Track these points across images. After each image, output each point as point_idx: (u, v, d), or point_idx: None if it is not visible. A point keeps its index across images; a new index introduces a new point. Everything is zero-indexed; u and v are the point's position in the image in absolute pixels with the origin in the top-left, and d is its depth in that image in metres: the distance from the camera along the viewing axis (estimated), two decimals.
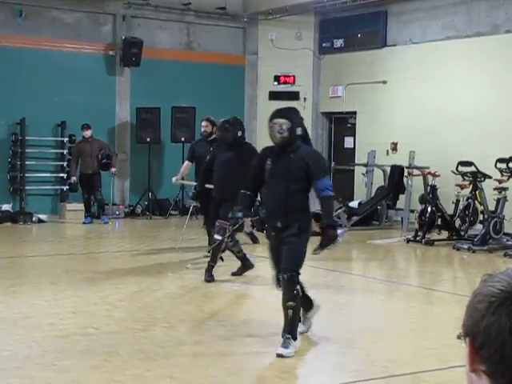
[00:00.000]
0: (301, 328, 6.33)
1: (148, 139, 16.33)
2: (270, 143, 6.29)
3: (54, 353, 5.84)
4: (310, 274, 10.14)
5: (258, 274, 9.87)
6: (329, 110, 17.74)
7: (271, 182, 6.20)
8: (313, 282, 9.59)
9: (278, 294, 8.34)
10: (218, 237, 8.75)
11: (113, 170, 15.19)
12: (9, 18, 15.34)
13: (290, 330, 5.97)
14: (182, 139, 16.23)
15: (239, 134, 8.83)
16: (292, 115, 6.25)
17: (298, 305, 6.02)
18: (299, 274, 6.06)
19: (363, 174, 15.85)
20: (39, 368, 5.45)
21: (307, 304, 6.53)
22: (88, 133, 15.03)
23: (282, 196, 6.06)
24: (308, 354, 6.11)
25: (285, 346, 5.91)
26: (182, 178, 11.23)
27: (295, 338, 5.99)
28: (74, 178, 15.09)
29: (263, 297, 8.30)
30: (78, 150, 15.07)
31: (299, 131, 6.18)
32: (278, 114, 6.23)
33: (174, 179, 11.01)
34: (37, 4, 15.41)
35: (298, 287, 6.02)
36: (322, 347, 6.32)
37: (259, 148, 8.87)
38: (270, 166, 6.16)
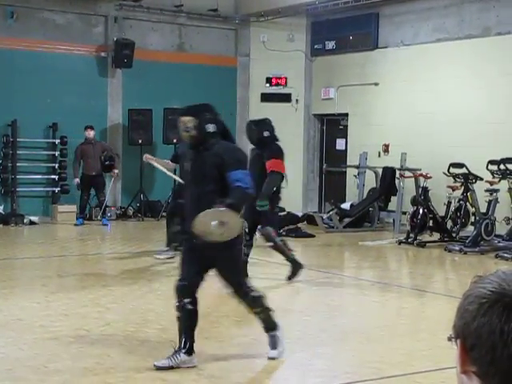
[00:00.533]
0: None
1: (140, 141, 16.30)
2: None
3: (45, 355, 5.83)
4: (302, 275, 10.16)
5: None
6: (321, 111, 17.75)
7: (187, 184, 5.83)
8: (305, 283, 9.61)
9: (271, 296, 8.36)
10: (269, 244, 8.95)
11: (115, 171, 15.23)
12: (0, 20, 15.30)
13: (270, 328, 5.90)
14: (174, 141, 16.18)
15: (265, 134, 8.86)
16: (198, 111, 5.82)
17: (262, 306, 5.85)
18: (246, 280, 5.90)
19: (355, 176, 15.86)
20: (30, 370, 5.44)
21: None
22: (91, 134, 15.00)
23: (195, 198, 5.59)
24: (300, 355, 6.11)
25: (273, 345, 5.86)
26: (176, 171, 11.14)
27: (277, 328, 5.91)
28: (76, 180, 14.94)
29: None
30: (81, 152, 15.00)
31: (211, 128, 5.72)
32: (183, 111, 5.88)
33: (146, 156, 10.54)
34: (28, 5, 15.38)
35: (250, 288, 5.81)
36: (314, 349, 6.33)
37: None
38: (187, 168, 5.78)
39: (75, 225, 14.73)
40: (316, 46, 17.49)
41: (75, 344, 6.17)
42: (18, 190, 15.34)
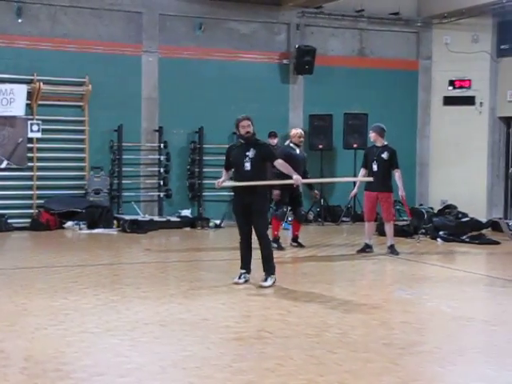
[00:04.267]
0: None
1: (320, 146, 16.48)
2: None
3: (230, 355, 6.02)
4: (488, 284, 9.81)
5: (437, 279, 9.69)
6: (507, 114, 17.12)
7: None
8: (491, 292, 9.28)
9: (453, 304, 8.14)
10: None
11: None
12: (190, 31, 16.04)
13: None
14: (354, 146, 16.25)
15: None
16: None
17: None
18: None
19: None
20: (217, 369, 5.63)
21: None
22: (275, 141, 15.36)
23: None
24: (486, 366, 5.92)
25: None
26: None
27: None
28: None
29: (437, 306, 8.13)
30: None
31: None
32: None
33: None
34: (215, 17, 16.04)
35: None
36: (500, 360, 6.11)
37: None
38: None
39: None
40: (502, 47, 16.91)
41: (258, 345, 6.33)
42: (203, 194, 15.95)
